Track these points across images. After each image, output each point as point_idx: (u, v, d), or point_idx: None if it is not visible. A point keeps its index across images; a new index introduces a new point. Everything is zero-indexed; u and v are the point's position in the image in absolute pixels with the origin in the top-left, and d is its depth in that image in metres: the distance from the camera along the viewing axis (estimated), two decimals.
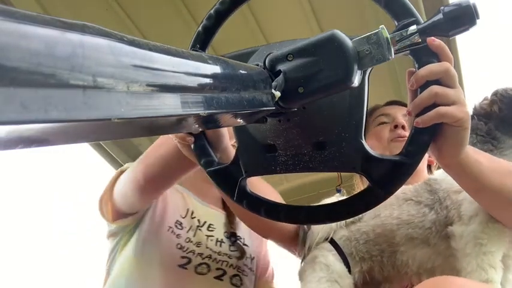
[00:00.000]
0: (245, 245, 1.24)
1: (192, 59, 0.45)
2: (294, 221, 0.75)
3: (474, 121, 0.91)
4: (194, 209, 1.21)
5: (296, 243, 1.04)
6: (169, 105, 0.39)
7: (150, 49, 0.38)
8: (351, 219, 0.94)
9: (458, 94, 0.66)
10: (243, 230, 1.26)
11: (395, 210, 0.90)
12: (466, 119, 0.66)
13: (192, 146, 0.79)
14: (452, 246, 0.81)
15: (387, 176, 0.65)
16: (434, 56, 0.64)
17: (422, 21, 0.61)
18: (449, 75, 0.65)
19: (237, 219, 1.25)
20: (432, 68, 0.64)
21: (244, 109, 0.52)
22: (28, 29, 0.26)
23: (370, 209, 0.69)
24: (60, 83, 0.28)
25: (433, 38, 0.64)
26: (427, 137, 0.65)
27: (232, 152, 0.78)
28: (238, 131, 0.74)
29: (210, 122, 0.53)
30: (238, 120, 0.58)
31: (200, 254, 1.12)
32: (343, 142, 0.67)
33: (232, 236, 1.22)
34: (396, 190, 0.66)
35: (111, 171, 1.80)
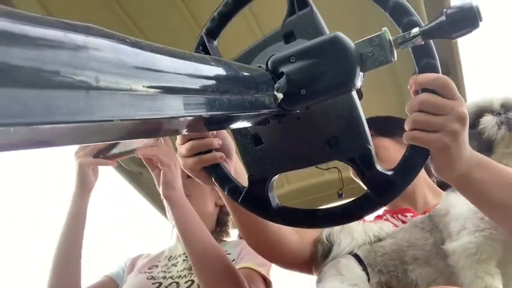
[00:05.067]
0: (227, 254, 1.27)
1: (195, 60, 0.45)
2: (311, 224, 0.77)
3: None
4: (174, 248, 1.38)
5: (308, 266, 1.07)
6: (172, 106, 0.39)
7: (152, 51, 0.38)
8: (375, 239, 1.00)
9: (451, 105, 0.63)
10: (227, 245, 1.34)
11: (407, 233, 0.97)
12: (444, 143, 0.64)
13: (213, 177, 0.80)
14: (450, 264, 0.84)
15: (381, 189, 0.68)
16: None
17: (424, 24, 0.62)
18: (442, 87, 0.64)
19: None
20: (426, 76, 0.64)
21: (246, 111, 0.52)
22: (31, 30, 0.26)
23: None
24: (63, 84, 0.27)
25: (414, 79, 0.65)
26: (419, 160, 0.67)
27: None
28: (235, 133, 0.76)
29: (213, 124, 0.53)
30: (241, 122, 0.58)
31: (171, 277, 1.23)
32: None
33: None
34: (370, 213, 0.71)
35: (112, 172, 1.80)
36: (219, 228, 1.41)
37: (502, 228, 0.80)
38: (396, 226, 1.07)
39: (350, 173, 1.09)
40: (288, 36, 0.69)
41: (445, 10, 0.58)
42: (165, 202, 1.11)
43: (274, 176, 0.74)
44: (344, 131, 0.68)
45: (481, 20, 0.56)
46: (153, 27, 1.49)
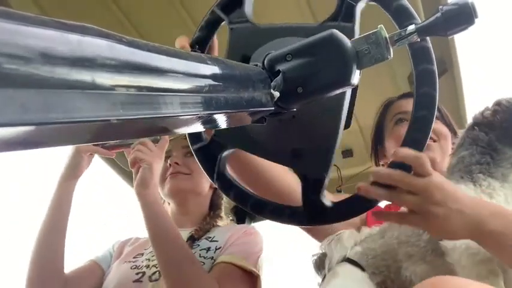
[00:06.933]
0: (214, 240, 1.25)
1: (191, 59, 0.45)
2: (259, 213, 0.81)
3: (475, 131, 0.91)
4: None
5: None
6: (168, 105, 0.39)
7: (149, 50, 0.38)
8: (364, 238, 0.99)
9: (426, 183, 0.66)
10: (215, 231, 1.31)
11: (395, 231, 0.93)
12: (430, 218, 0.66)
13: None
14: (448, 261, 0.82)
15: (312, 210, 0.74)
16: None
17: (420, 21, 0.62)
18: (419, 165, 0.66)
19: (209, 225, 1.32)
20: (408, 152, 0.67)
21: (243, 109, 0.52)
22: (27, 30, 0.26)
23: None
24: (60, 84, 0.28)
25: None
26: (360, 209, 0.73)
27: None
28: None
29: (209, 123, 0.53)
30: (238, 120, 0.58)
31: (154, 265, 1.18)
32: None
33: (190, 239, 1.25)
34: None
35: (109, 172, 1.81)
36: (213, 212, 1.39)
37: None
38: None
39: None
40: None
41: (440, 7, 0.58)
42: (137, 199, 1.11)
43: (232, 147, 0.79)
44: (313, 151, 0.71)
45: (476, 17, 0.56)
46: (151, 27, 1.49)
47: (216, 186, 0.83)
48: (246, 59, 0.72)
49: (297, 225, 0.80)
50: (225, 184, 0.82)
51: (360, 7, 0.71)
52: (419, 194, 0.66)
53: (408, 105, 1.19)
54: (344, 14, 0.70)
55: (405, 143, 0.70)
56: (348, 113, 0.71)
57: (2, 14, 0.25)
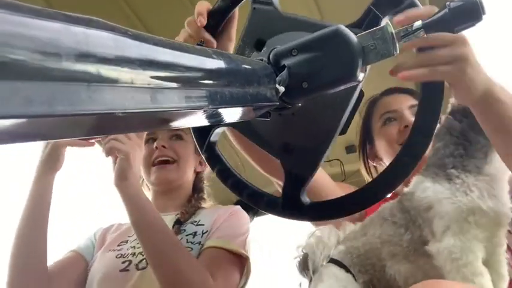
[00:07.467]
0: (200, 224, 1.23)
1: (197, 53, 0.45)
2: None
3: (450, 119, 0.87)
4: None
5: None
6: (173, 99, 0.39)
7: (154, 43, 0.38)
8: (345, 237, 0.97)
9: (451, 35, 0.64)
10: (201, 214, 1.29)
11: (377, 229, 0.90)
12: (460, 70, 0.65)
13: None
14: (435, 264, 0.81)
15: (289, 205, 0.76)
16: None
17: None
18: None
19: (194, 208, 1.30)
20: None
21: (248, 104, 0.52)
22: (33, 22, 0.26)
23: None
24: (65, 77, 0.28)
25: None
26: (332, 213, 0.75)
27: None
28: None
29: (214, 117, 0.53)
30: (242, 115, 0.58)
31: (140, 253, 1.16)
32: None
33: (177, 224, 1.24)
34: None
35: (103, 160, 1.80)
36: (196, 194, 1.37)
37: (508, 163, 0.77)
38: None
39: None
40: None
41: (448, 3, 0.58)
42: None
43: (226, 124, 0.80)
44: (304, 149, 0.72)
45: (484, 13, 0.56)
46: (157, 21, 1.49)
47: (203, 159, 0.85)
48: (261, 43, 0.73)
49: (272, 214, 0.81)
50: (212, 157, 0.83)
51: (385, 21, 0.70)
52: (450, 45, 0.64)
53: (395, 102, 1.20)
54: (368, 23, 0.69)
55: (416, 123, 0.71)
56: (347, 120, 0.71)
57: (9, 7, 0.25)
